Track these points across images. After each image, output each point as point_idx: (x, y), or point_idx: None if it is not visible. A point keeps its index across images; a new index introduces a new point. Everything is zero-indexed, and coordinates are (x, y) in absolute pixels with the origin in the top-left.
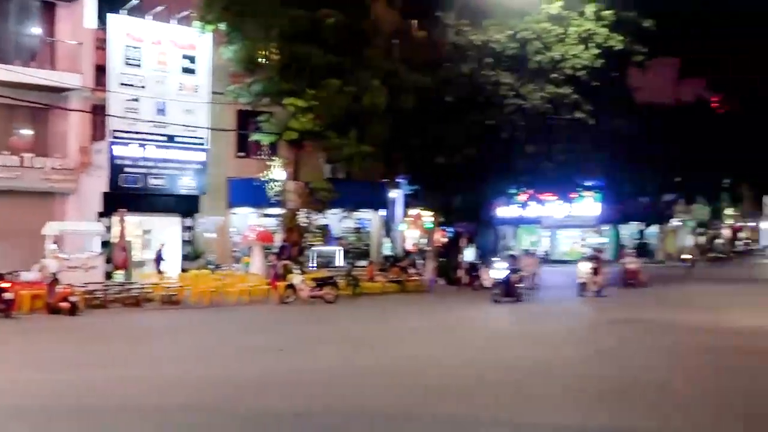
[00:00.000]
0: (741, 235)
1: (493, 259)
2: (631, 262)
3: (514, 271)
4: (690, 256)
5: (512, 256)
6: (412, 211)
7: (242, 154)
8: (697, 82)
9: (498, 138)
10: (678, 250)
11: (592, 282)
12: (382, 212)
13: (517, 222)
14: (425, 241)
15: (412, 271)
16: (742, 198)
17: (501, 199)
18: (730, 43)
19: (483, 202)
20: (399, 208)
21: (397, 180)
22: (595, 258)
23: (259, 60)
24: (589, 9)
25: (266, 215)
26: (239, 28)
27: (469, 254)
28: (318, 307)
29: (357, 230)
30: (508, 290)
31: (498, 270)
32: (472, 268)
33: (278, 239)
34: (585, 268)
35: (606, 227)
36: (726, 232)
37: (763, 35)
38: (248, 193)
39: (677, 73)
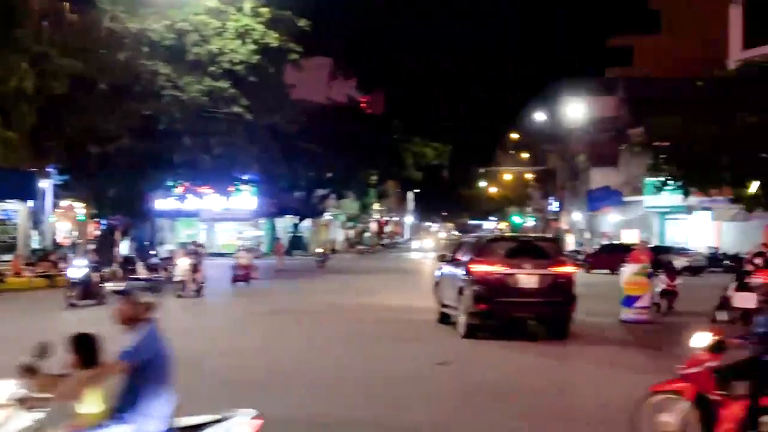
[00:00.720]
0: (387, 229)
1: (71, 256)
2: (243, 257)
3: (96, 268)
4: (322, 250)
5: (96, 250)
6: (64, 202)
7: None
8: (348, 83)
9: (155, 129)
10: (330, 243)
11: (191, 280)
12: (30, 203)
13: (175, 215)
14: (77, 233)
15: (63, 265)
16: (388, 194)
17: (158, 191)
18: (379, 47)
19: (139, 193)
20: (49, 199)
21: (47, 169)
22: (194, 253)
23: None
24: (247, 5)
25: None
26: None
27: (124, 247)
28: None
29: (1, 222)
30: (87, 291)
31: (77, 268)
32: (127, 262)
33: None
34: (183, 264)
35: (262, 220)
36: (373, 226)
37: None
38: None
39: (330, 73)
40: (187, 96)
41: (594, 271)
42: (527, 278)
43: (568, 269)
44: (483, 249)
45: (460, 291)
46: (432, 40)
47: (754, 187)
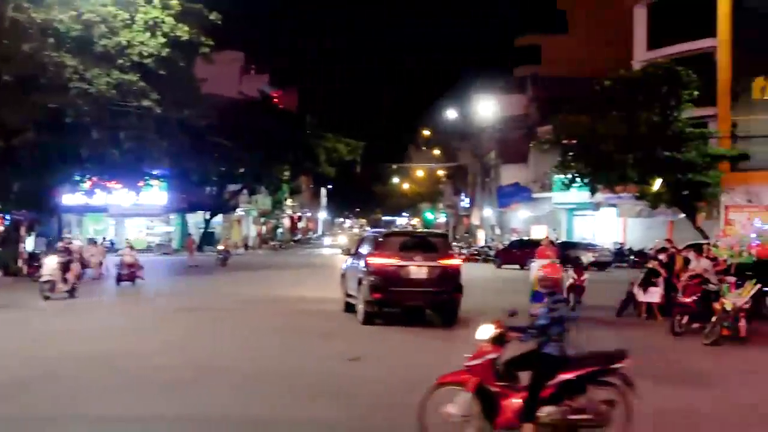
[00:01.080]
0: (301, 224)
1: None
2: (128, 255)
3: None
4: (224, 247)
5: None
6: None
7: None
8: (260, 78)
9: (62, 122)
10: (243, 239)
11: (60, 279)
12: None
13: (83, 210)
14: None
15: None
16: (301, 190)
17: (66, 186)
18: (292, 43)
19: (46, 188)
20: None
21: None
22: (65, 250)
23: None
24: None
25: None
26: None
27: (30, 244)
28: None
29: None
30: None
31: None
32: (33, 259)
33: None
34: (51, 263)
35: (173, 216)
36: (287, 222)
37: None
38: None
39: (242, 68)
40: (95, 89)
41: (504, 266)
42: (418, 270)
43: (454, 262)
44: (380, 243)
45: (360, 282)
46: (344, 37)
47: (657, 184)
